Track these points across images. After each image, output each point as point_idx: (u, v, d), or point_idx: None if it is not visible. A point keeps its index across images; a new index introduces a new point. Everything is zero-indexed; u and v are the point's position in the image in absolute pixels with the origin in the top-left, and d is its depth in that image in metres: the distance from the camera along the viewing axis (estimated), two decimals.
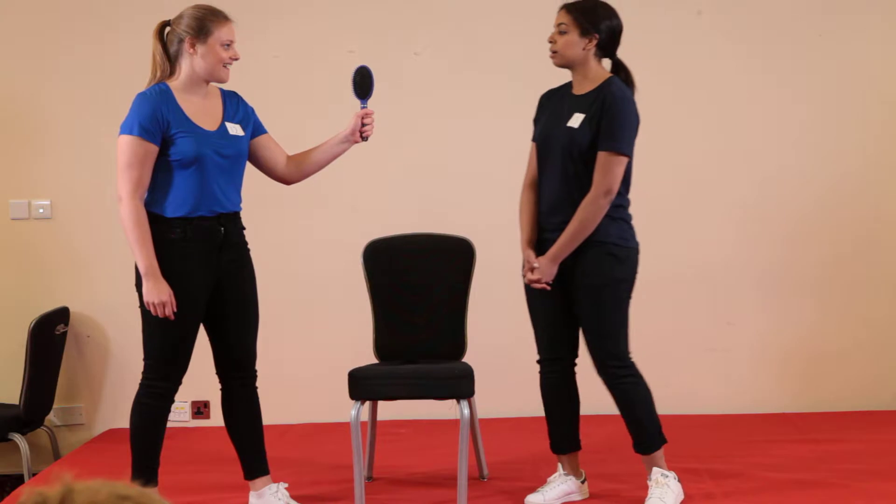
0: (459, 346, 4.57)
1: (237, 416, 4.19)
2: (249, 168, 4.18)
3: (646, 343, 5.60)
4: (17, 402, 5.30)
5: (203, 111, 4.00)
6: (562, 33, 4.10)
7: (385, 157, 5.52)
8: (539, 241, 4.19)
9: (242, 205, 4.12)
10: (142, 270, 3.89)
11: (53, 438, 5.58)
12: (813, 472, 4.56)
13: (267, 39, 5.53)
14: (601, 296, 4.11)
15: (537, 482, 4.35)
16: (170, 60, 3.99)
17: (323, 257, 5.62)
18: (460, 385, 4.30)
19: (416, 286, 4.64)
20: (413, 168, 5.61)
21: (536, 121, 4.27)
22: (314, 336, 5.65)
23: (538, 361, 4.28)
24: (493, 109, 5.48)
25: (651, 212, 5.56)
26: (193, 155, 3.92)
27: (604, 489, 4.39)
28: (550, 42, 4.13)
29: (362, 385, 4.35)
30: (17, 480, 5.42)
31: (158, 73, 4.00)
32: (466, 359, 4.54)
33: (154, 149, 3.90)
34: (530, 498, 4.26)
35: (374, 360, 4.63)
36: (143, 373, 4.07)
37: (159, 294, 3.88)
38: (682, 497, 4.18)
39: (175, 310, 3.90)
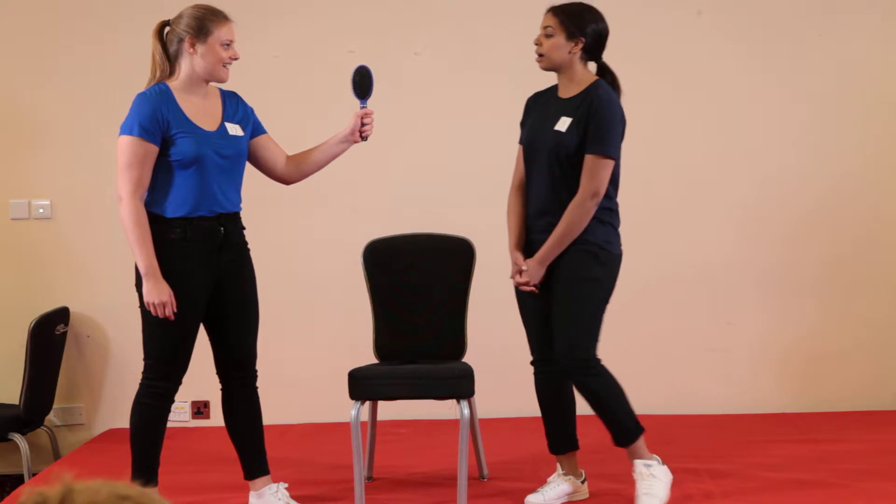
0: (459, 346, 4.57)
1: (237, 416, 4.19)
2: (249, 168, 4.18)
3: (646, 343, 5.62)
4: (17, 402, 5.30)
5: (203, 111, 4.00)
6: (548, 36, 4.10)
7: (385, 157, 5.52)
8: (527, 242, 4.21)
9: (242, 205, 4.12)
10: (142, 271, 3.89)
11: (53, 438, 5.58)
12: (813, 472, 4.56)
13: (267, 39, 5.53)
14: (574, 291, 4.11)
15: (537, 482, 4.35)
16: (169, 60, 3.99)
17: (323, 257, 5.62)
18: (460, 385, 4.30)
19: (416, 286, 4.64)
20: (413, 168, 5.61)
21: (523, 124, 4.29)
22: (314, 336, 5.65)
23: (532, 363, 4.29)
24: (493, 109, 5.48)
25: (651, 212, 5.57)
26: (193, 155, 3.92)
27: (604, 489, 4.39)
28: (536, 44, 4.14)
29: (362, 385, 4.35)
30: (17, 480, 5.42)
31: (158, 73, 4.00)
32: (466, 359, 4.54)
33: (154, 149, 3.90)
34: (530, 498, 4.26)
35: (374, 360, 4.63)
36: (143, 373, 4.07)
37: (159, 294, 3.88)
38: (670, 479, 4.17)
39: (175, 310, 3.90)
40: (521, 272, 4.16)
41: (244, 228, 4.14)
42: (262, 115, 4.20)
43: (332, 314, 5.63)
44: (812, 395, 5.60)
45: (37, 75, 5.58)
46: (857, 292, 5.60)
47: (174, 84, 3.98)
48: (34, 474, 5.26)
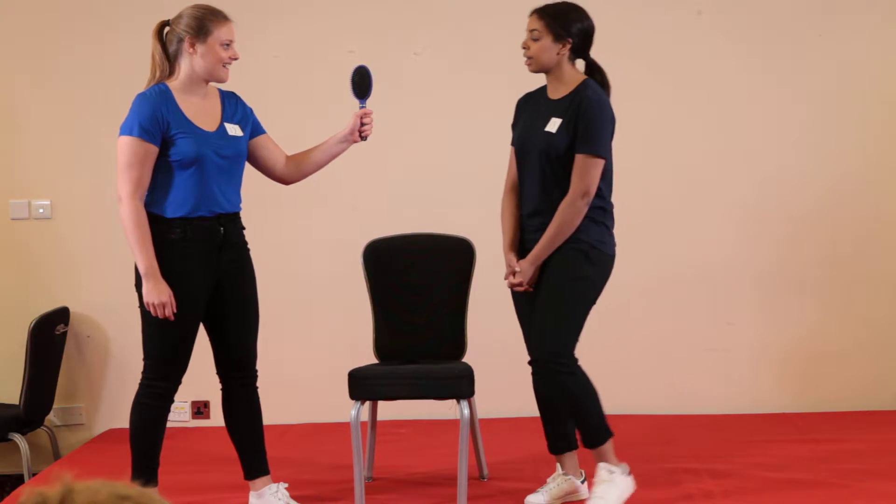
0: (459, 346, 4.57)
1: (237, 416, 4.18)
2: (249, 168, 4.18)
3: (646, 343, 5.62)
4: (17, 402, 5.30)
5: (202, 112, 4.00)
6: (535, 39, 4.10)
7: (385, 157, 5.52)
8: (521, 242, 4.22)
9: (242, 205, 4.12)
10: (142, 271, 3.89)
11: (53, 438, 5.58)
12: (813, 472, 4.56)
13: (267, 39, 5.53)
14: (561, 290, 4.11)
15: (537, 482, 4.35)
16: (169, 60, 3.99)
17: (323, 257, 5.62)
18: (460, 385, 4.30)
19: (416, 286, 4.64)
20: (413, 168, 5.61)
21: (514, 125, 4.29)
22: (314, 336, 5.65)
23: (529, 362, 4.28)
24: (492, 109, 5.46)
25: (651, 212, 5.57)
26: (193, 156, 3.92)
27: None
28: (524, 48, 4.13)
29: (362, 385, 4.35)
30: (17, 480, 5.42)
31: (158, 74, 4.00)
32: (466, 359, 4.54)
33: (154, 149, 3.90)
34: (530, 498, 4.26)
35: (374, 360, 4.63)
36: (143, 373, 4.07)
37: (159, 295, 3.88)
38: (629, 490, 4.15)
39: (175, 310, 3.90)
40: (514, 273, 4.17)
41: (244, 228, 4.15)
42: (261, 115, 4.20)
43: (332, 314, 5.62)
44: (812, 395, 5.60)
45: (37, 75, 5.58)
46: (857, 292, 5.60)
47: (174, 84, 3.97)
48: (34, 474, 5.26)
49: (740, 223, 5.59)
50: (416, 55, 5.59)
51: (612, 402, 5.48)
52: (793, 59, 5.55)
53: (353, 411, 4.25)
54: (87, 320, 5.65)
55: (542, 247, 4.10)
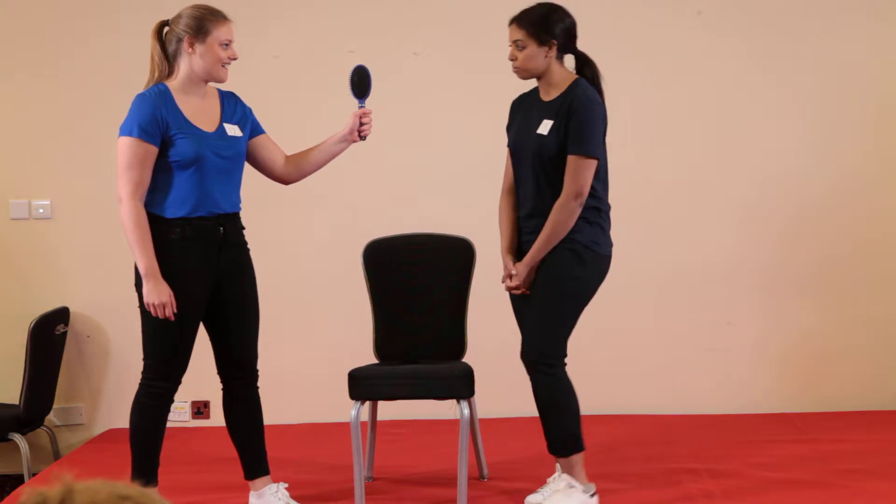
0: (459, 346, 4.57)
1: (238, 416, 4.18)
2: (249, 168, 4.18)
3: (646, 343, 5.62)
4: (17, 402, 5.30)
5: (201, 112, 4.00)
6: (520, 49, 4.08)
7: (385, 157, 5.52)
8: (518, 244, 4.22)
9: (242, 205, 4.12)
10: (142, 271, 3.89)
11: (53, 438, 5.58)
12: (813, 473, 4.56)
13: (267, 39, 5.53)
14: (552, 290, 4.10)
15: (537, 482, 4.35)
16: (168, 60, 3.99)
17: (323, 257, 5.62)
18: (460, 385, 4.30)
19: (416, 286, 4.64)
20: (413, 168, 5.61)
21: (509, 128, 4.29)
22: (314, 336, 5.65)
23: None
24: (493, 109, 5.45)
25: (651, 212, 5.57)
26: (192, 156, 3.92)
27: (603, 489, 4.38)
28: (511, 59, 4.12)
29: (362, 385, 4.35)
30: (17, 480, 5.42)
31: (157, 74, 4.00)
32: (466, 359, 4.54)
33: (154, 150, 3.90)
34: (530, 498, 4.25)
35: (374, 360, 4.63)
36: (143, 373, 4.07)
37: (159, 295, 3.88)
38: None
39: (175, 311, 3.90)
40: (510, 276, 4.17)
41: (244, 228, 4.15)
42: (261, 115, 4.20)
43: (332, 314, 5.63)
44: (812, 395, 5.60)
45: (37, 75, 5.58)
46: (857, 292, 5.60)
47: (173, 84, 3.97)
48: (34, 474, 5.26)
49: (740, 223, 5.59)
50: (416, 55, 5.59)
51: (613, 402, 5.51)
52: (793, 59, 5.55)
53: (353, 411, 4.25)
54: (87, 320, 5.65)
55: (537, 249, 4.10)
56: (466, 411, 4.24)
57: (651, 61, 5.56)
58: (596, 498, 4.15)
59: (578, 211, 4.05)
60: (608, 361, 5.51)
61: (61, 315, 5.51)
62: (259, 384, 4.20)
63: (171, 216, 3.94)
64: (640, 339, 5.61)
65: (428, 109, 5.60)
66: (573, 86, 4.09)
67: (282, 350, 5.39)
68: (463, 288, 4.59)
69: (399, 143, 5.54)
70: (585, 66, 4.18)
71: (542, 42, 4.06)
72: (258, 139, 4.15)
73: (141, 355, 4.08)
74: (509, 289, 4.21)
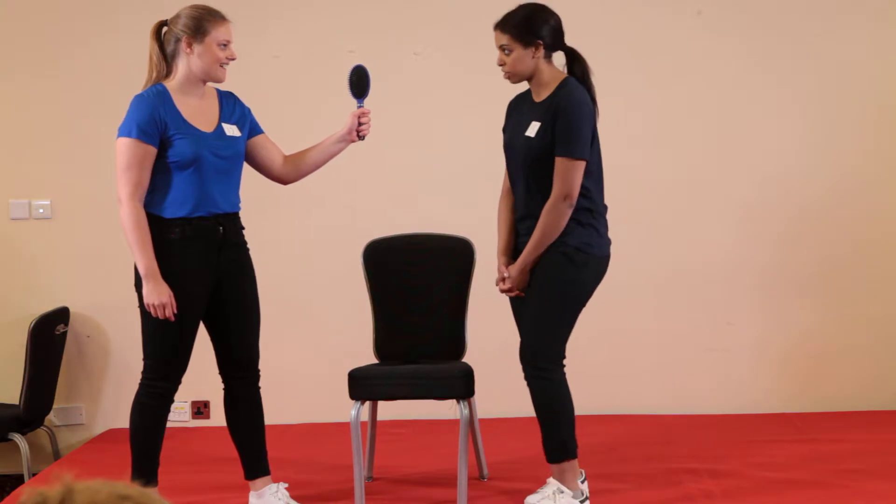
0: (459, 346, 4.57)
1: (239, 416, 4.18)
2: (249, 168, 4.18)
3: (646, 343, 5.62)
4: (17, 402, 5.30)
5: (200, 112, 4.00)
6: (507, 53, 4.07)
7: (385, 157, 5.52)
8: (515, 245, 4.22)
9: (242, 205, 4.12)
10: (141, 272, 3.89)
11: (53, 438, 5.58)
12: (813, 473, 4.56)
13: (267, 39, 5.53)
14: (544, 294, 4.09)
15: (537, 482, 4.34)
16: (166, 61, 3.99)
17: (323, 257, 5.62)
18: (460, 385, 4.30)
19: (416, 286, 4.64)
20: (413, 168, 5.61)
21: (504, 129, 4.28)
22: (314, 336, 5.65)
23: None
24: (493, 109, 5.46)
25: (651, 212, 5.57)
26: (191, 157, 3.92)
27: (603, 489, 4.38)
28: (500, 65, 4.11)
29: (362, 385, 4.35)
30: (17, 480, 5.42)
31: (155, 74, 4.00)
32: (466, 359, 4.54)
33: (152, 150, 3.90)
34: (530, 498, 4.25)
35: (374, 360, 4.63)
36: (143, 373, 4.07)
37: (159, 296, 3.87)
38: None
39: (175, 311, 3.90)
40: (504, 279, 4.17)
41: (243, 228, 4.14)
42: (261, 115, 4.20)
43: (332, 314, 5.63)
44: (812, 395, 5.60)
45: (37, 75, 5.58)
46: (857, 292, 5.60)
47: (171, 84, 3.97)
48: (34, 474, 5.26)
49: (740, 223, 5.59)
50: (416, 55, 5.59)
51: (613, 402, 5.51)
52: (793, 59, 5.55)
53: (353, 411, 4.25)
54: (87, 320, 5.65)
55: (529, 252, 4.09)
56: (466, 411, 4.24)
57: (651, 61, 5.56)
58: None
59: (569, 213, 4.04)
60: (608, 361, 5.51)
61: (61, 315, 5.51)
62: (260, 384, 4.20)
63: (170, 216, 3.94)
64: (640, 339, 5.61)
65: (428, 109, 5.60)
66: (560, 86, 4.08)
67: (282, 350, 5.39)
68: (463, 288, 4.59)
69: (399, 143, 5.54)
70: (575, 63, 4.16)
71: (527, 44, 4.05)
72: (257, 139, 4.15)
73: (141, 355, 4.08)
74: (503, 291, 4.21)
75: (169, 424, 4.15)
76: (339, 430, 5.05)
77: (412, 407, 5.06)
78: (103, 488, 1.26)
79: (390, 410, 5.02)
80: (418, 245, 4.73)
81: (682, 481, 4.46)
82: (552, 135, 4.02)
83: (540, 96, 4.12)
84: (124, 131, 3.91)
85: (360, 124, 4.15)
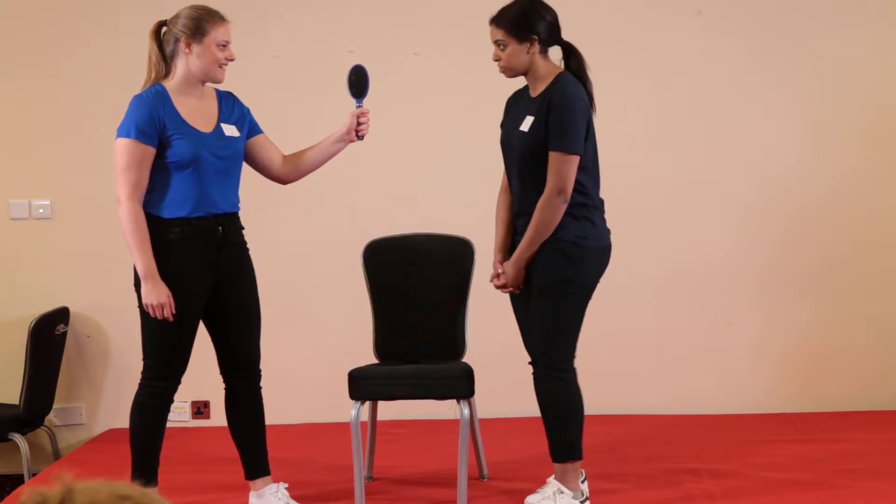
0: (459, 346, 4.57)
1: (240, 416, 4.18)
2: (248, 168, 4.18)
3: (646, 343, 5.62)
4: (17, 402, 5.30)
5: (199, 112, 4.00)
6: (502, 48, 4.07)
7: (385, 157, 5.52)
8: (513, 241, 4.21)
9: (241, 205, 4.12)
10: (140, 272, 3.89)
11: (53, 438, 5.58)
12: (813, 473, 4.56)
13: (267, 39, 5.53)
14: (545, 294, 4.08)
15: (537, 482, 4.34)
16: (165, 61, 3.99)
17: (323, 257, 5.62)
18: (460, 385, 4.30)
19: (416, 286, 4.64)
20: (413, 168, 5.61)
21: (502, 124, 4.28)
22: (314, 336, 5.65)
23: (530, 363, 4.28)
24: (492, 109, 5.46)
25: (651, 212, 5.57)
26: (190, 157, 3.92)
27: (603, 489, 4.38)
28: (496, 60, 4.11)
29: (362, 385, 4.35)
30: (17, 480, 5.42)
31: (154, 74, 4.00)
32: (466, 359, 4.54)
33: (151, 151, 3.90)
34: (530, 498, 4.25)
35: (374, 361, 4.63)
36: (143, 373, 4.08)
37: (158, 296, 3.87)
38: None
39: (174, 311, 3.90)
40: (499, 275, 4.16)
41: (243, 228, 4.14)
42: (261, 115, 4.20)
43: (332, 314, 5.62)
44: (812, 395, 5.60)
45: (37, 75, 5.58)
46: (857, 292, 5.60)
47: (170, 85, 3.97)
48: (34, 474, 5.26)
49: (740, 223, 5.59)
50: (416, 55, 5.59)
51: (613, 402, 5.51)
52: (793, 59, 5.55)
53: (353, 411, 4.25)
54: (87, 320, 5.65)
55: (523, 248, 4.08)
56: (466, 411, 4.24)
57: (651, 61, 5.56)
58: None
59: (563, 208, 4.02)
60: (608, 361, 5.51)
61: (61, 315, 5.51)
62: (261, 384, 4.20)
63: (169, 216, 3.94)
64: (640, 339, 5.61)
65: (427, 109, 5.60)
66: (555, 81, 4.07)
67: (282, 350, 5.39)
68: (463, 288, 4.59)
69: (398, 143, 5.54)
70: (571, 57, 4.15)
71: (522, 39, 4.04)
72: (256, 139, 4.15)
73: (141, 355, 4.08)
74: (497, 287, 4.20)
75: (169, 424, 4.15)
76: (339, 430, 5.05)
77: (412, 407, 5.06)
78: (103, 488, 1.26)
79: (390, 410, 5.02)
80: (418, 245, 4.73)
81: (683, 481, 4.46)
82: (546, 129, 4.02)
83: (536, 91, 4.12)
84: (123, 132, 3.91)
85: (359, 124, 4.15)
